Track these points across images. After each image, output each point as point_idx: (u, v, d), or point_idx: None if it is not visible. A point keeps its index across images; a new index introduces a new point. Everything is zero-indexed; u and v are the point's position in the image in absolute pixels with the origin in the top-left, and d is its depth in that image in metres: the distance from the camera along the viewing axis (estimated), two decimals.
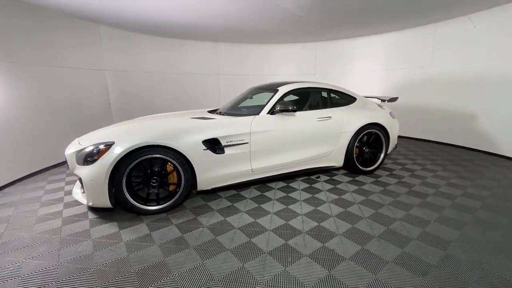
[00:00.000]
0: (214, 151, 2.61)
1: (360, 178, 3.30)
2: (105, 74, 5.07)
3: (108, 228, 2.23)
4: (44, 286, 1.57)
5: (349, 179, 3.27)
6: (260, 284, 1.56)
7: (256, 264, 1.75)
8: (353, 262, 1.76)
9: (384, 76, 5.97)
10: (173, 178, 2.56)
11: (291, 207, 2.59)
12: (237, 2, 3.67)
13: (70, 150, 2.42)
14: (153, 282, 1.58)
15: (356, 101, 3.53)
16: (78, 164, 2.33)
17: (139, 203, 2.40)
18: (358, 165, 3.37)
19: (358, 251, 1.87)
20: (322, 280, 1.60)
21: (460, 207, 2.53)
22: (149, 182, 2.44)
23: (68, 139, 3.92)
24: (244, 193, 2.93)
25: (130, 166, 2.30)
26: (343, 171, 3.54)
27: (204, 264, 1.75)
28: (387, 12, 4.25)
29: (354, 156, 3.33)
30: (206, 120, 2.81)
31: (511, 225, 2.21)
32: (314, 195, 2.85)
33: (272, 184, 3.17)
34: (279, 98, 3.08)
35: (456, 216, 2.35)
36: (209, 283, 1.58)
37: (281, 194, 2.90)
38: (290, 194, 2.88)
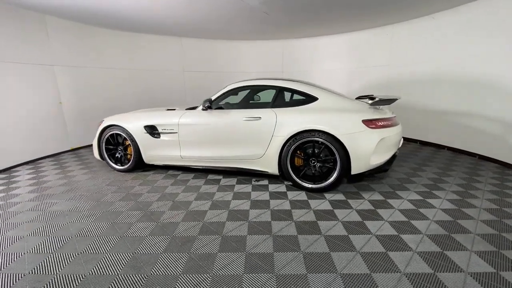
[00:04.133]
0: (152, 135, 3.32)
1: (293, 194, 2.75)
2: (54, 70, 4.50)
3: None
4: None
5: (280, 191, 2.83)
6: None
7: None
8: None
9: (347, 75, 6.17)
10: (130, 150, 3.57)
11: (182, 195, 2.80)
12: None
13: None
14: None
15: (317, 101, 2.86)
16: None
17: (112, 162, 3.64)
18: (296, 179, 2.82)
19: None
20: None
21: None
22: (116, 149, 3.62)
23: (7, 149, 3.72)
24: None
25: (105, 137, 3.54)
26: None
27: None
28: (346, 12, 4.38)
29: (289, 166, 2.81)
30: (154, 110, 3.54)
31: None
32: (218, 192, 2.83)
33: (212, 175, 3.34)
34: (222, 94, 3.20)
35: None
36: None
37: (198, 184, 3.06)
38: (201, 184, 3.01)
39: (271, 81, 3.12)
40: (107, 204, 2.61)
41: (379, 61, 5.54)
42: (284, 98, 3.08)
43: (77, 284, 1.55)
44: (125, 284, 1.54)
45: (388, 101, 2.71)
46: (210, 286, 1.51)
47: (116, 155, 3.61)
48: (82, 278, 1.60)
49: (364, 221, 2.20)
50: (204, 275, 1.61)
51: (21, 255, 1.84)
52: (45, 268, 1.69)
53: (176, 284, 1.53)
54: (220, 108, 3.20)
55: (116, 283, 1.55)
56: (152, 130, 3.30)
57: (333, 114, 2.68)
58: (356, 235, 2.00)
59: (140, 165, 3.54)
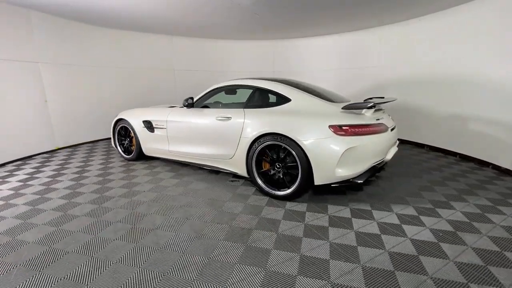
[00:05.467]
0: (149, 130, 3.64)
1: (255, 199, 2.63)
2: (39, 67, 4.35)
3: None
4: None
5: (245, 194, 2.74)
6: None
7: None
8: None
9: (338, 76, 6.19)
10: (134, 141, 3.98)
11: (150, 187, 2.94)
12: None
13: None
14: None
15: (289, 102, 2.66)
16: None
17: (122, 151, 4.13)
18: (261, 183, 2.69)
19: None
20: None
21: None
22: (125, 140, 4.08)
23: None
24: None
25: (117, 129, 4.05)
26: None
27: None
28: (336, 13, 4.40)
29: (254, 169, 2.70)
30: (155, 107, 3.84)
31: None
32: (187, 186, 2.92)
33: (200, 171, 3.48)
34: (206, 93, 3.29)
35: None
36: None
37: (176, 178, 3.18)
38: (179, 179, 3.10)
39: (250, 80, 3.04)
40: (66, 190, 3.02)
41: (370, 62, 5.55)
42: (260, 98, 2.96)
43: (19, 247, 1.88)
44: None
45: (364, 104, 2.33)
46: (90, 267, 1.63)
47: (125, 146, 4.10)
48: (28, 244, 1.93)
49: (304, 238, 1.98)
50: (108, 262, 1.73)
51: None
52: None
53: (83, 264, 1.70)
54: (206, 107, 3.30)
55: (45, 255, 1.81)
56: (148, 125, 3.62)
57: (297, 117, 2.46)
58: (282, 251, 1.82)
59: (143, 156, 3.93)
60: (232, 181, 3.16)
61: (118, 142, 4.12)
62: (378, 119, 2.48)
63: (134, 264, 1.70)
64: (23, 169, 3.70)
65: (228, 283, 1.54)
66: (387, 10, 4.21)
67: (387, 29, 5.12)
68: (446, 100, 4.26)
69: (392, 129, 2.63)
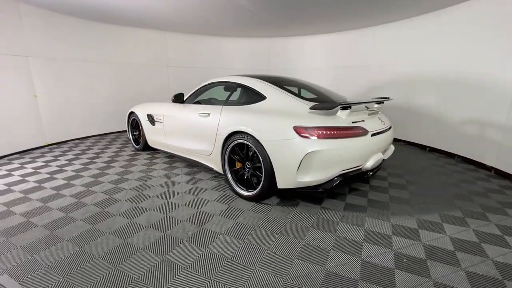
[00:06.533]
0: (151, 123, 3.89)
1: (225, 197, 2.58)
2: (28, 61, 4.25)
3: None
4: None
5: (218, 191, 2.73)
6: None
7: None
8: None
9: (332, 74, 6.18)
10: (141, 133, 4.29)
11: (137, 176, 3.18)
12: None
13: None
14: None
15: (264, 100, 2.54)
16: None
17: (133, 141, 4.49)
18: (232, 181, 2.64)
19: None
20: None
21: None
22: (135, 132, 4.42)
23: None
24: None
25: (130, 120, 4.42)
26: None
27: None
28: (330, 11, 4.35)
29: (227, 167, 2.66)
30: (159, 102, 4.05)
31: None
32: (170, 179, 3.04)
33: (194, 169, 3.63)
34: (195, 91, 3.36)
35: None
36: None
37: (168, 170, 3.35)
38: (170, 171, 3.26)
39: (234, 77, 3.00)
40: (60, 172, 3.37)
41: (363, 61, 5.57)
42: (242, 95, 2.90)
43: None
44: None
45: (334, 105, 2.08)
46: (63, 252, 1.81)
47: (135, 137, 4.46)
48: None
49: (249, 243, 1.88)
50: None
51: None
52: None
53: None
54: (199, 103, 3.37)
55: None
56: (151, 119, 3.88)
57: (265, 116, 2.34)
58: (216, 252, 1.77)
59: (151, 147, 4.22)
60: (214, 177, 3.18)
61: (131, 133, 4.51)
62: (355, 122, 2.21)
63: (79, 244, 1.86)
64: (53, 152, 4.33)
65: (144, 275, 1.57)
66: (380, 10, 4.18)
67: (382, 29, 5.11)
68: (472, 104, 3.57)
69: (374, 134, 2.30)
